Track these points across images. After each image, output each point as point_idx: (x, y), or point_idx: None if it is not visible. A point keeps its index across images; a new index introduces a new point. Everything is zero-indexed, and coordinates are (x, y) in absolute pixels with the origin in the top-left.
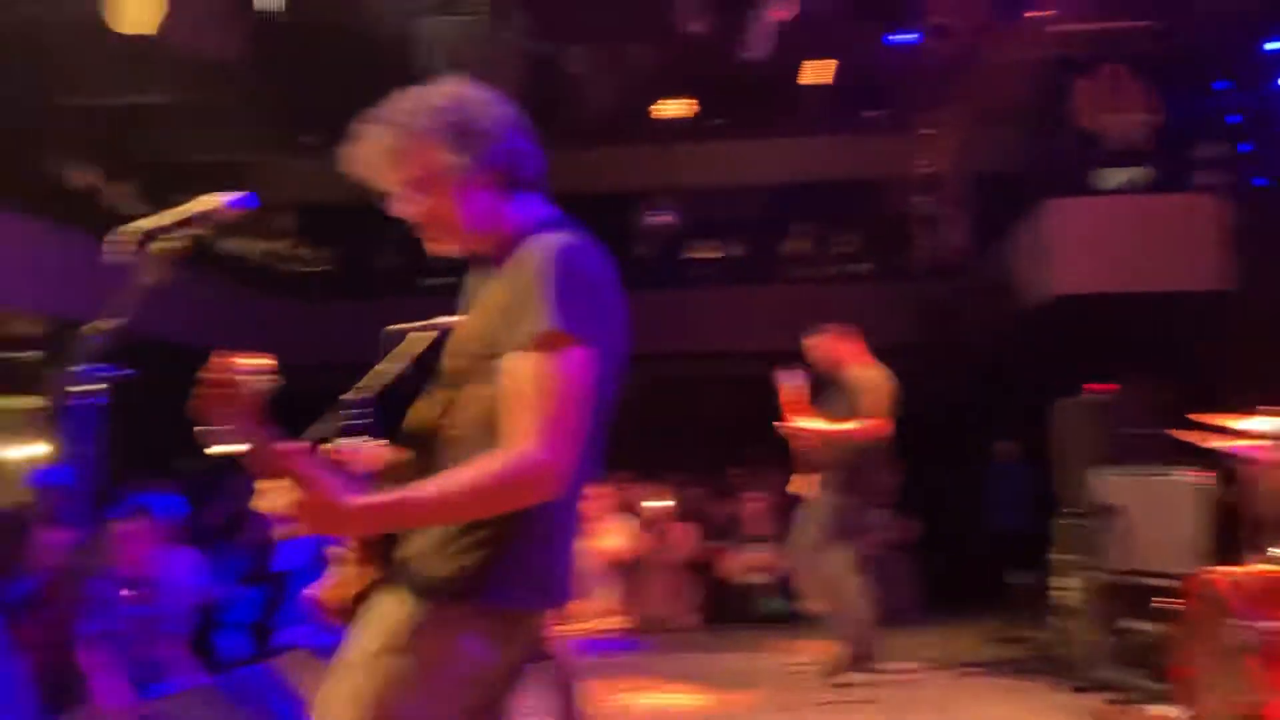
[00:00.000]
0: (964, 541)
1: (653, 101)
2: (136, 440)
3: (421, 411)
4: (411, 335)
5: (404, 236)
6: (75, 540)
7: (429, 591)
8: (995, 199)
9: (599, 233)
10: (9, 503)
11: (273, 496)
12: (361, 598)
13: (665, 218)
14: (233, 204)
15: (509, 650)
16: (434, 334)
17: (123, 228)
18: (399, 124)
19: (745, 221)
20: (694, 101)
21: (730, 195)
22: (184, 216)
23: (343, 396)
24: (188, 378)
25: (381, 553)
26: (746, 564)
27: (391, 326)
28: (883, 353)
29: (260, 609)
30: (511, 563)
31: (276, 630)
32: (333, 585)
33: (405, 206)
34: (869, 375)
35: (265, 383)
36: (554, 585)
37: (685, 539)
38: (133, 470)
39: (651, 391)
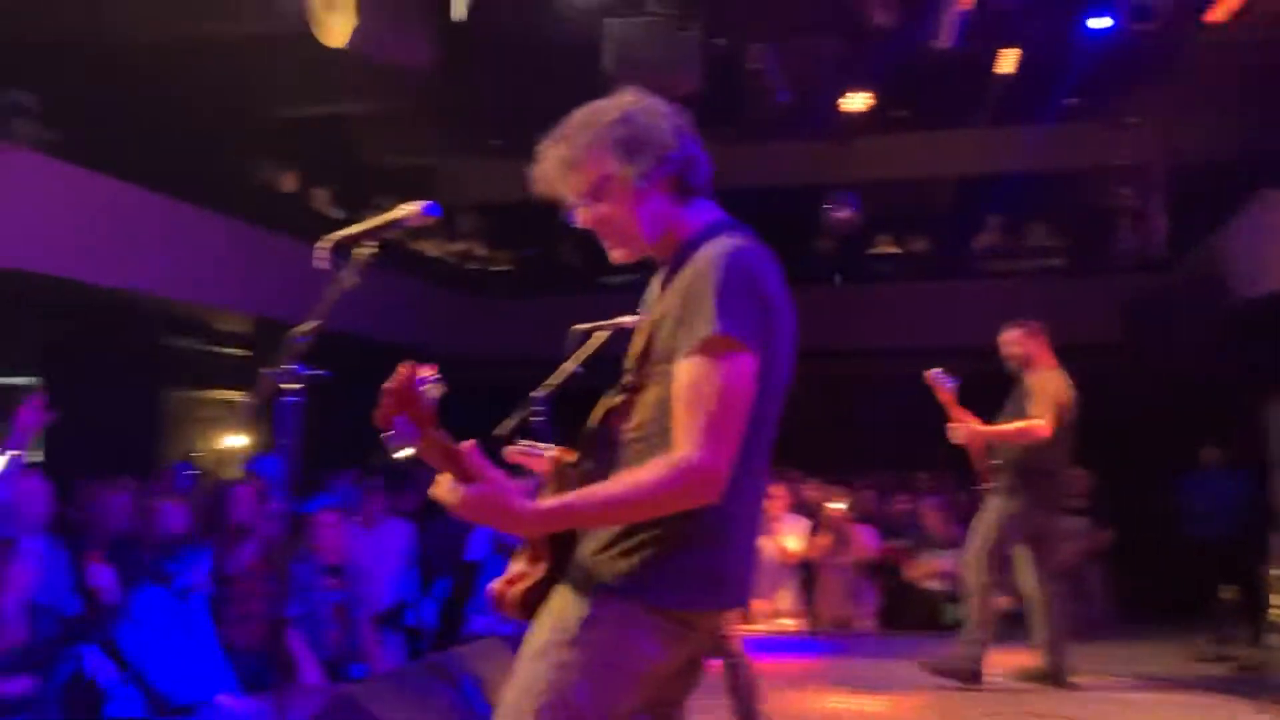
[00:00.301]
0: (1163, 552)
1: (836, 94)
2: (336, 431)
3: (599, 412)
4: (595, 334)
5: (588, 236)
6: (280, 526)
7: (600, 589)
8: (1204, 189)
9: (781, 227)
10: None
11: (448, 490)
12: (537, 593)
13: (848, 212)
14: (425, 211)
15: (680, 649)
16: (612, 333)
17: (327, 235)
18: (573, 137)
19: (931, 215)
20: (877, 93)
21: (915, 188)
22: (380, 223)
23: (532, 393)
24: (383, 372)
25: (556, 550)
26: (929, 569)
27: (578, 325)
28: (1079, 351)
29: (452, 596)
30: (680, 563)
31: (467, 618)
32: (509, 580)
33: (583, 215)
34: (1042, 378)
35: (436, 390)
36: (726, 586)
37: (864, 541)
38: (333, 461)
39: (833, 388)
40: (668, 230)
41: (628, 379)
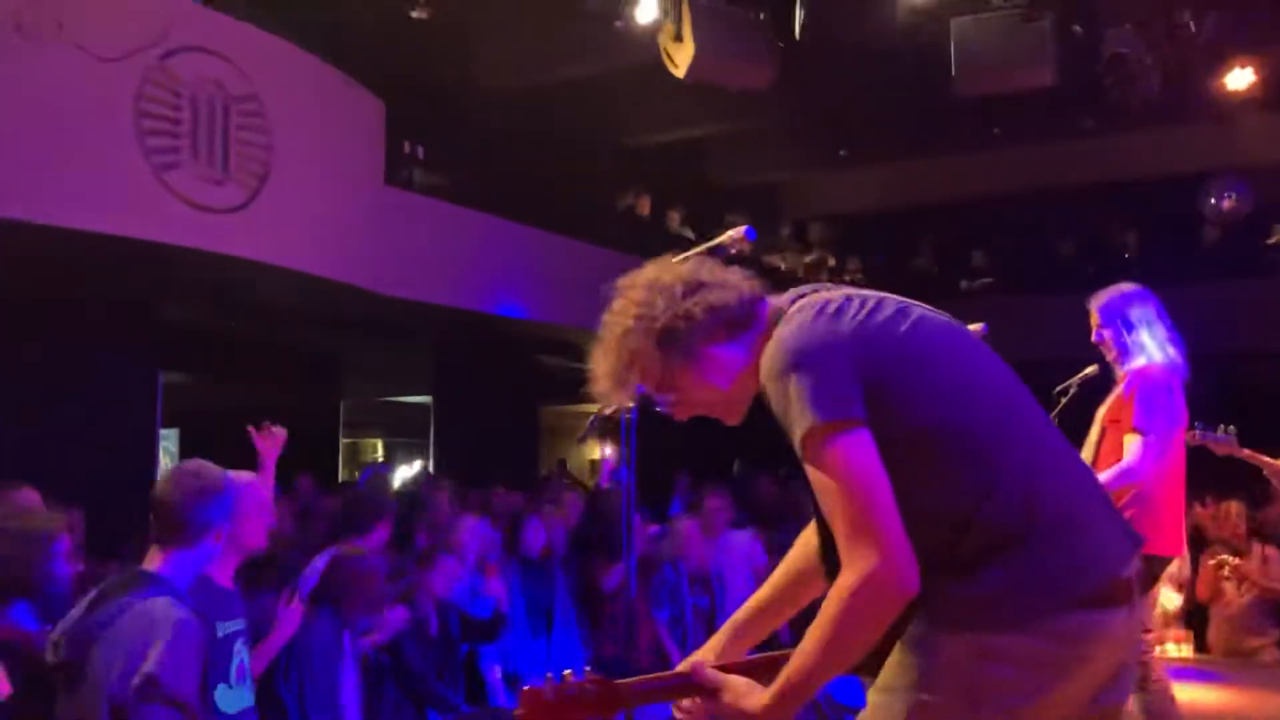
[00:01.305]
0: None
1: (1212, 73)
2: (698, 442)
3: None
4: None
5: (939, 243)
6: (644, 534)
7: (942, 625)
8: None
9: (1160, 222)
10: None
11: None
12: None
13: (1234, 200)
14: (745, 235)
15: (1057, 673)
16: None
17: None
18: (610, 350)
19: None
20: (1266, 66)
21: None
22: (704, 249)
23: None
24: None
25: None
26: None
27: None
28: None
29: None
30: (1008, 581)
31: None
32: None
33: (671, 409)
34: None
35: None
36: (1072, 591)
37: (1269, 564)
38: (694, 470)
39: (1231, 394)
40: (744, 369)
41: None
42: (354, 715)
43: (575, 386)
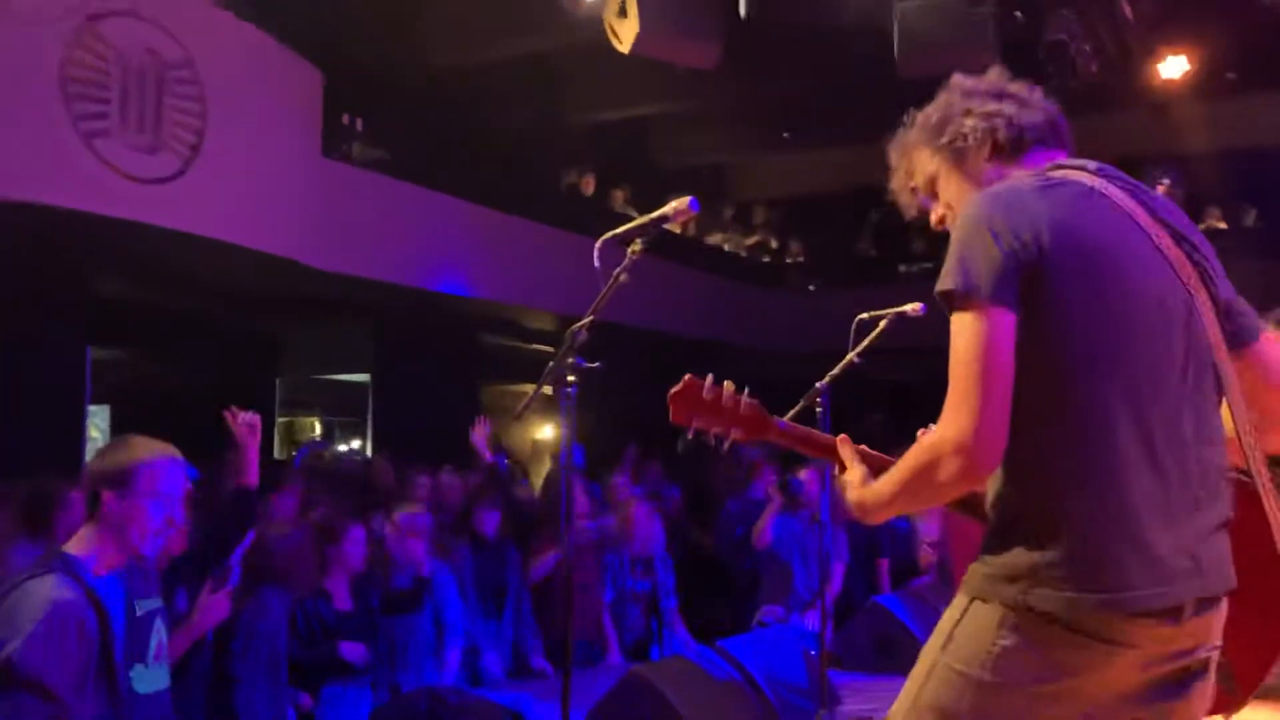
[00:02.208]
0: None
1: (1147, 61)
2: (635, 422)
3: None
4: (878, 323)
5: (880, 227)
6: (586, 515)
7: (980, 593)
8: None
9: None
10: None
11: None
12: None
13: (1169, 187)
14: (689, 207)
15: (1083, 664)
16: (893, 321)
17: (606, 234)
18: (897, 144)
19: (1269, 187)
20: (1200, 55)
21: (1248, 158)
22: (649, 220)
23: (819, 384)
24: (682, 364)
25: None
26: None
27: (863, 315)
28: None
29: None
30: (1068, 559)
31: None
32: None
33: (934, 215)
34: None
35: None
36: (1133, 586)
37: None
38: (637, 451)
39: None
40: None
41: None
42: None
43: (517, 365)
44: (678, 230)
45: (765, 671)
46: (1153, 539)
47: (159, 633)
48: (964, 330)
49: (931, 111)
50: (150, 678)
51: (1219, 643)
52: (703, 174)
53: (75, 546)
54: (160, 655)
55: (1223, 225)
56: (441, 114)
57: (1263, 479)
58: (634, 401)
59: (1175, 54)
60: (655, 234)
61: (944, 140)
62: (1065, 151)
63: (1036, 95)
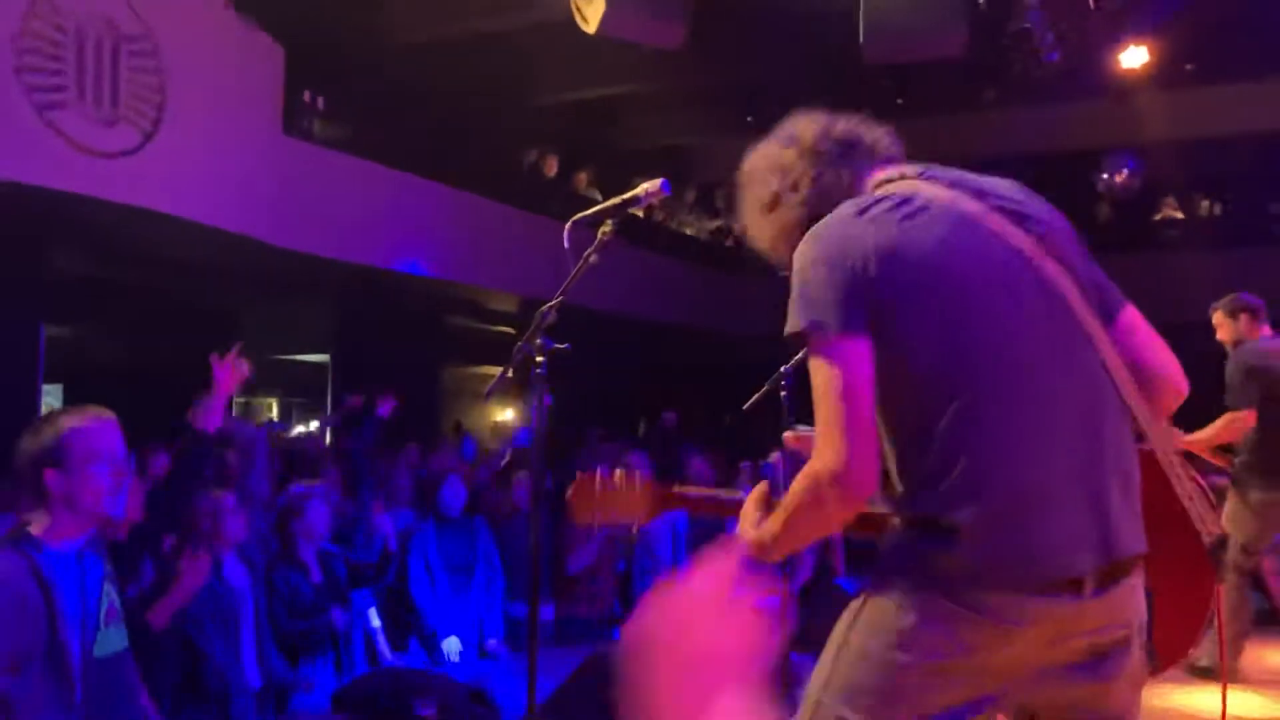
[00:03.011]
0: None
1: (1113, 49)
2: (600, 401)
3: None
4: None
5: None
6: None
7: (884, 575)
8: None
9: (1055, 194)
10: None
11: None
12: None
13: (1126, 175)
14: (660, 189)
15: (984, 641)
16: None
17: (577, 215)
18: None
19: (1226, 177)
20: (1160, 46)
21: (1204, 149)
22: (619, 202)
23: (783, 369)
24: (646, 347)
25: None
26: None
27: None
28: None
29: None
30: (962, 542)
31: None
32: None
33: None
34: (1233, 363)
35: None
36: (1027, 570)
37: None
38: (602, 430)
39: None
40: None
41: None
42: (249, 651)
43: (479, 347)
44: (640, 214)
45: None
46: (1042, 518)
47: (109, 596)
48: (820, 366)
49: (761, 189)
50: (104, 640)
51: (1134, 620)
52: (666, 156)
53: (35, 527)
54: (114, 617)
55: (1179, 215)
56: (403, 93)
57: (1163, 449)
58: (595, 385)
59: (1136, 44)
60: (624, 216)
61: (774, 215)
62: (893, 161)
63: (853, 122)
